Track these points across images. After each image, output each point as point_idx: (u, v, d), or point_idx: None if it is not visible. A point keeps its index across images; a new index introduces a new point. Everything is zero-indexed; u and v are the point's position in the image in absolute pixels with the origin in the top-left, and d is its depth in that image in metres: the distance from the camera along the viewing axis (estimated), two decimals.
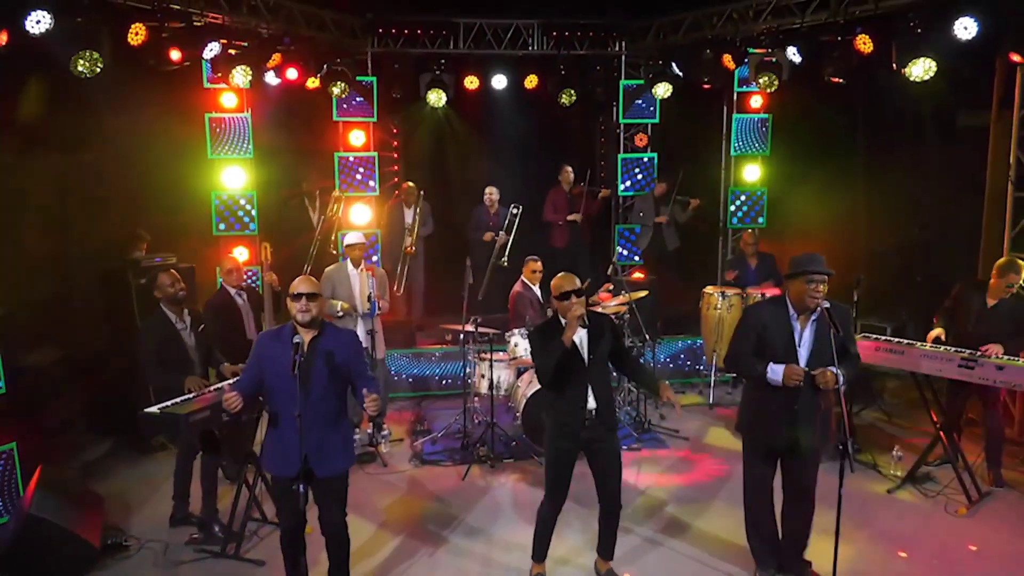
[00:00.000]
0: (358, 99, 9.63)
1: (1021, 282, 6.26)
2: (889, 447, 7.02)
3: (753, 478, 5.11)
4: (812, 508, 5.02)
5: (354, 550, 5.05)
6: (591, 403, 4.86)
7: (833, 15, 8.11)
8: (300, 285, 4.52)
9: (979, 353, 5.99)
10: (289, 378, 4.25)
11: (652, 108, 10.40)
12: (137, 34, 6.82)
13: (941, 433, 6.35)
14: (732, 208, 10.48)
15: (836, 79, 7.91)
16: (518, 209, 9.50)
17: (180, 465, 5.97)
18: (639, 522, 6.01)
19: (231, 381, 5.67)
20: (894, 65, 7.41)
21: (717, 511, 6.20)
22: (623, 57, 10.52)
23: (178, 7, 7.34)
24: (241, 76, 7.97)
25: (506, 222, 9.59)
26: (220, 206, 9.25)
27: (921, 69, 7.24)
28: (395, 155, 10.91)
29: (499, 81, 10.05)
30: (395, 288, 9.51)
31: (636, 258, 10.53)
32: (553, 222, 10.27)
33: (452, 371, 9.26)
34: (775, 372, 4.76)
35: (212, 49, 7.63)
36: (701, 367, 9.58)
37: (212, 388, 5.57)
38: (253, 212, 9.32)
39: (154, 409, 5.05)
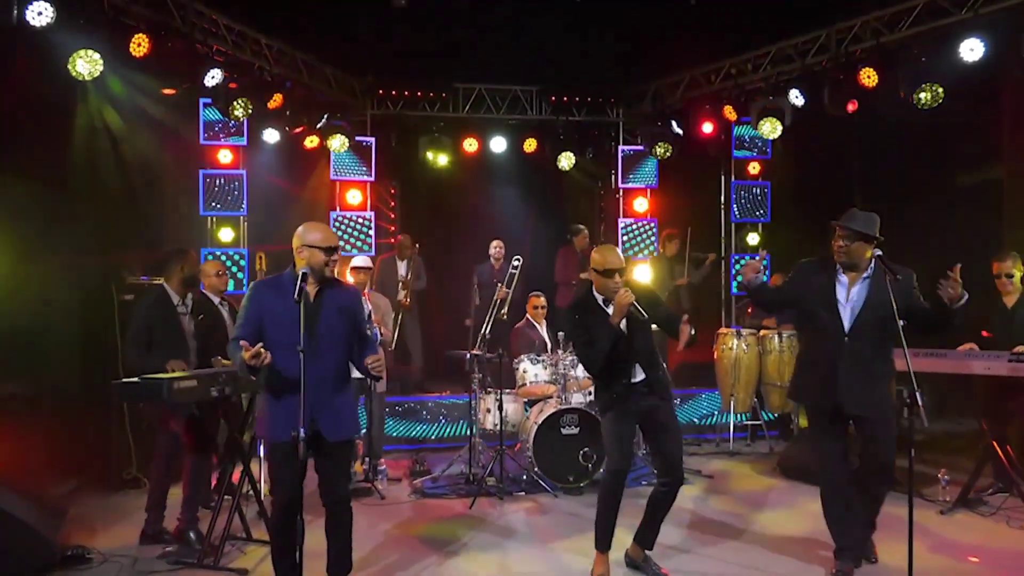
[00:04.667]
0: (355, 158, 9.59)
1: None
2: (926, 478, 6.43)
3: (822, 453, 4.65)
4: (885, 486, 4.52)
5: (355, 560, 4.37)
6: (639, 375, 4.50)
7: (834, 57, 8.13)
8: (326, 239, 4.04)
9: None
10: (294, 326, 3.74)
11: (651, 173, 10.39)
12: (140, 45, 6.64)
13: (994, 443, 5.84)
14: (736, 273, 10.27)
15: (851, 109, 7.87)
16: (519, 262, 9.18)
17: (159, 464, 5.28)
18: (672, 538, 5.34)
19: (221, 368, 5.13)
20: (901, 94, 7.42)
21: (755, 532, 5.55)
22: (620, 124, 10.61)
23: (184, 29, 7.26)
24: (241, 109, 7.82)
25: (506, 276, 9.27)
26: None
27: (929, 95, 7.25)
28: (392, 215, 10.68)
29: (498, 144, 10.05)
30: (389, 344, 9.01)
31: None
32: (563, 282, 9.93)
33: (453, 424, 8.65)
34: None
35: (214, 76, 7.49)
36: (715, 415, 8.93)
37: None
38: (241, 274, 8.98)
39: (133, 379, 4.50)
